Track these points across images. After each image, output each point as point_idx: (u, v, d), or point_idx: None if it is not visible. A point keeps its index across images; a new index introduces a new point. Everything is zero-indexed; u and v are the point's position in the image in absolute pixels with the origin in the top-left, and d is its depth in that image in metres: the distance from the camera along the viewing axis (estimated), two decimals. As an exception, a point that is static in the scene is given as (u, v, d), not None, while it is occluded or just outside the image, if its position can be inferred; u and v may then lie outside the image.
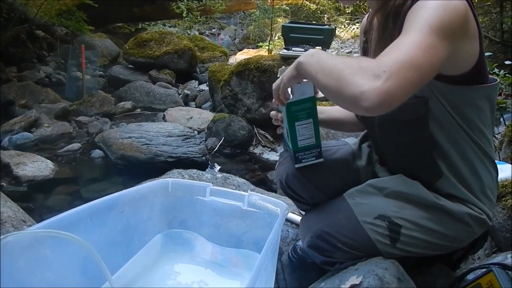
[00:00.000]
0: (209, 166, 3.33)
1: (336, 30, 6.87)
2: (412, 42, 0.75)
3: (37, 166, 3.02)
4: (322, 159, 1.06)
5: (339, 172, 1.10)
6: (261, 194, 1.49)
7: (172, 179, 1.41)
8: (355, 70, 0.75)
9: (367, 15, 1.12)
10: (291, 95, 1.00)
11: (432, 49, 0.74)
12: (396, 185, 0.99)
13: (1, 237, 0.84)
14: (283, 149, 1.38)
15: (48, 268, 1.03)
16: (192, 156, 3.23)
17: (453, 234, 0.96)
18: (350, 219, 0.99)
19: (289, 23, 3.88)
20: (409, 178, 0.99)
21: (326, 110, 1.26)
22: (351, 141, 1.19)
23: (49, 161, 3.14)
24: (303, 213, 1.50)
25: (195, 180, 1.80)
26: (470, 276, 1.04)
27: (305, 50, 3.50)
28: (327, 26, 3.84)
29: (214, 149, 3.61)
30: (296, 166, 1.07)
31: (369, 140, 1.17)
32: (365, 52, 1.08)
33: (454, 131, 0.92)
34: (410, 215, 0.96)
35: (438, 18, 0.77)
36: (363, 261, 0.99)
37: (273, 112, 1.17)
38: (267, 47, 6.22)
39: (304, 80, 0.99)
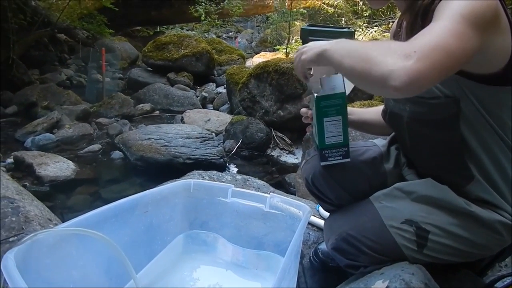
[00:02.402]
0: (227, 168, 3.35)
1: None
2: (444, 27, 0.74)
3: (59, 167, 3.07)
4: (349, 159, 1.05)
5: (366, 174, 1.09)
6: (282, 196, 1.48)
7: (194, 180, 1.41)
8: (384, 51, 0.75)
9: (397, 19, 1.11)
10: (320, 88, 0.99)
11: (464, 36, 0.74)
12: (425, 189, 0.97)
13: (31, 235, 0.86)
14: (309, 149, 1.37)
15: (73, 267, 1.05)
16: (210, 158, 3.25)
17: (483, 242, 0.94)
18: (376, 222, 0.97)
19: (307, 25, 3.87)
20: (438, 182, 0.97)
21: (356, 112, 1.24)
22: (380, 142, 1.17)
23: (70, 161, 3.20)
24: (325, 214, 1.49)
25: (215, 181, 1.80)
26: (499, 284, 1.01)
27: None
28: (347, 29, 3.82)
29: (232, 151, 3.63)
30: (322, 164, 1.06)
31: (398, 142, 1.15)
32: None
33: (485, 133, 0.90)
34: (439, 220, 0.94)
35: (470, 8, 0.76)
36: (388, 266, 0.97)
37: (303, 109, 1.15)
38: (284, 50, 6.22)
39: (337, 74, 0.99)
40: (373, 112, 1.24)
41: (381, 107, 1.19)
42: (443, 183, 0.97)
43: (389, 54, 0.73)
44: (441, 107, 0.89)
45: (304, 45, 0.95)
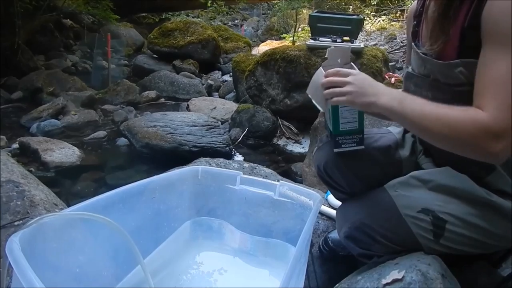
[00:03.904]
0: (232, 157, 3.32)
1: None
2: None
3: (64, 153, 3.06)
4: (363, 146, 1.02)
5: (380, 161, 1.06)
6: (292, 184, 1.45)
7: (202, 167, 1.39)
8: (468, 128, 0.76)
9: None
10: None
11: None
12: (443, 178, 0.94)
13: (37, 218, 0.84)
14: (317, 137, 1.33)
15: (79, 252, 1.03)
16: (216, 146, 3.22)
17: (502, 233, 0.91)
18: (391, 211, 0.94)
19: (316, 12, 3.80)
20: (457, 171, 0.93)
21: None
22: (395, 130, 1.14)
23: (75, 148, 3.18)
24: (334, 203, 1.46)
25: (222, 169, 1.77)
26: (517, 276, 0.98)
27: (333, 41, 3.43)
28: (356, 16, 3.75)
29: (238, 139, 3.60)
30: (335, 150, 1.03)
31: None
32: (415, 36, 1.02)
33: None
34: (457, 210, 0.91)
35: None
36: (403, 256, 0.95)
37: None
38: (290, 39, 6.14)
39: (351, 63, 0.96)
40: None
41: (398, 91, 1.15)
42: (462, 173, 0.93)
43: (477, 134, 0.75)
44: (465, 95, 0.85)
45: (351, 75, 0.91)
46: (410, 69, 1.02)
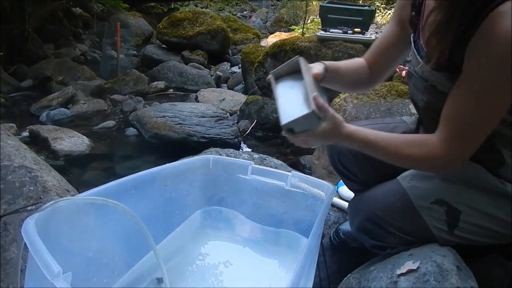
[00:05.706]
0: (241, 148, 3.31)
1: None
2: (475, 114, 0.78)
3: (73, 142, 3.08)
4: None
5: None
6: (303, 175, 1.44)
7: (213, 156, 1.39)
8: (428, 163, 0.86)
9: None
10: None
11: (497, 107, 0.78)
12: None
13: (52, 201, 0.84)
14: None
15: (92, 237, 1.04)
16: (225, 137, 3.22)
17: None
18: (404, 202, 0.94)
19: (327, 3, 3.76)
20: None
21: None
22: (408, 119, 1.12)
23: (85, 137, 3.20)
24: (345, 195, 1.46)
25: (233, 158, 1.77)
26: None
27: (343, 32, 3.39)
28: (367, 7, 3.71)
29: (246, 131, 3.59)
30: None
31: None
32: (414, 27, 0.96)
33: None
34: (471, 200, 0.90)
35: (505, 71, 0.72)
36: (416, 247, 0.94)
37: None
38: (300, 31, 6.09)
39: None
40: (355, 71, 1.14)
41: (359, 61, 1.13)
42: None
43: (434, 166, 0.87)
44: None
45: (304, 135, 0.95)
46: (411, 67, 0.98)
